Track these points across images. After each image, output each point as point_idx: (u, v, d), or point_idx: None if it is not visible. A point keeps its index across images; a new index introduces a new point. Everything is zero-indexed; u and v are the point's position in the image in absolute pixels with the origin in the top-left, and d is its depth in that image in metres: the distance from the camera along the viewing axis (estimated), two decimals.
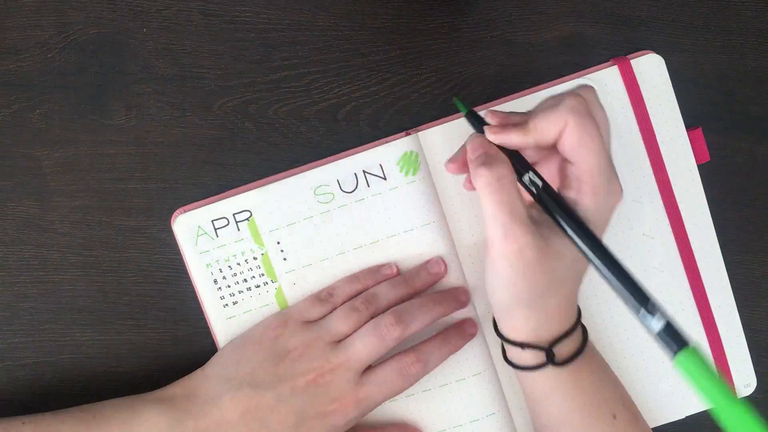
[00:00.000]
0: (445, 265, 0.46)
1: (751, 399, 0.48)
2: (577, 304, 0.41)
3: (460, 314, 0.46)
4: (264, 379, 0.42)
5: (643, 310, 0.36)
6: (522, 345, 0.40)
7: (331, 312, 0.44)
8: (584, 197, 0.38)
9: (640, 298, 0.36)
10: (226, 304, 0.46)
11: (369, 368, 0.43)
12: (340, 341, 0.43)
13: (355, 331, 0.43)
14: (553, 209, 0.38)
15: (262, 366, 0.42)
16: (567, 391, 0.41)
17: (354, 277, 0.46)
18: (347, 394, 0.42)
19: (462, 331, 0.46)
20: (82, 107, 0.46)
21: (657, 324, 0.36)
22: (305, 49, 0.46)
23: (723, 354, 0.47)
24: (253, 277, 0.46)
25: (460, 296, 0.46)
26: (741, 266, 0.49)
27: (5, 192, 0.46)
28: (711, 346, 0.47)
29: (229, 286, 0.46)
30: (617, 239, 0.46)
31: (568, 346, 0.40)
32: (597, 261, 0.37)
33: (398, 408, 0.46)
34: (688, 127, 0.47)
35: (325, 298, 0.45)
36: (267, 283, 0.46)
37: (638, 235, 0.46)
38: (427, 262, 0.46)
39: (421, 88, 0.47)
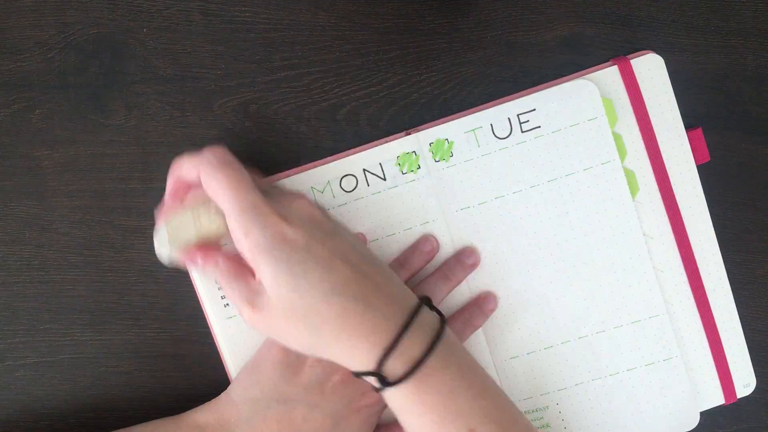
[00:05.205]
0: (437, 243, 0.46)
1: (751, 399, 0.48)
2: (400, 323, 0.38)
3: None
4: (290, 392, 0.41)
5: None
6: (355, 374, 0.39)
7: None
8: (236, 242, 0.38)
9: None
10: (227, 304, 0.46)
11: None
12: None
13: None
14: None
15: (284, 378, 0.42)
16: (413, 409, 0.38)
17: None
18: None
19: (481, 308, 0.46)
20: (82, 107, 0.46)
21: None
22: (305, 49, 0.46)
23: (723, 354, 0.47)
24: None
25: (465, 259, 0.46)
26: (741, 266, 0.49)
27: (5, 192, 0.46)
28: (711, 346, 0.47)
29: None
30: (617, 239, 0.46)
31: (401, 365, 0.37)
32: None
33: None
34: (688, 127, 0.47)
35: None
36: None
37: (638, 235, 0.46)
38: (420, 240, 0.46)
39: (421, 88, 0.47)
